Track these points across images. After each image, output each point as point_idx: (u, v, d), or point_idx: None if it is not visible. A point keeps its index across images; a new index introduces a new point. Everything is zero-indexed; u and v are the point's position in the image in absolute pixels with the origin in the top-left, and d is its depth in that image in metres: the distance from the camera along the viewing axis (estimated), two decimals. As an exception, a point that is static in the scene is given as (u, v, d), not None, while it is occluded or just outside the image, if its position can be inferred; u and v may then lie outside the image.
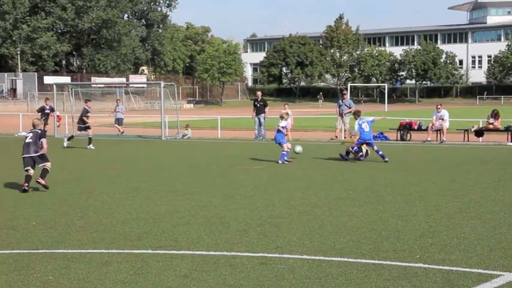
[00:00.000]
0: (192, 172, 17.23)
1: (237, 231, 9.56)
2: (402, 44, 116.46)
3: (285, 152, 19.33)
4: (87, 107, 26.47)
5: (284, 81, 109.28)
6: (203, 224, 10.14)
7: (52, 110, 30.71)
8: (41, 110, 30.24)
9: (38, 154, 13.91)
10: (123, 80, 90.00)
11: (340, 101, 29.92)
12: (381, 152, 19.20)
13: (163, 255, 8.12)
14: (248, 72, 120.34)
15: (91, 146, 25.20)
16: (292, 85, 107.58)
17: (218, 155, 22.66)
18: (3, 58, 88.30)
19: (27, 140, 14.00)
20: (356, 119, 20.03)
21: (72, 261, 7.82)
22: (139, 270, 7.48)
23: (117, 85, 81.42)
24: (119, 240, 9.01)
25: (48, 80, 77.55)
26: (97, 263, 7.74)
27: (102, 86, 76.17)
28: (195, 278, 7.21)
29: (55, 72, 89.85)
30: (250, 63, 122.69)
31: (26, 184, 13.50)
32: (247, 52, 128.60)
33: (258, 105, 29.82)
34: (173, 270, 7.49)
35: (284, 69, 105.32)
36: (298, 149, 19.99)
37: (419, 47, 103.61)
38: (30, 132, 14.20)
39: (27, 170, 13.79)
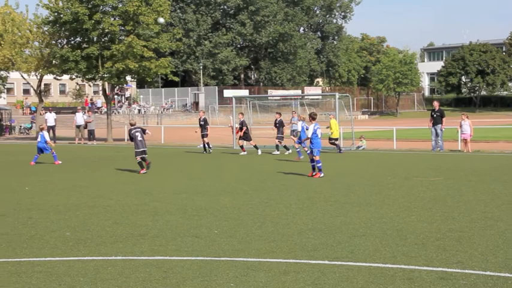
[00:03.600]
0: (367, 183, 17.08)
1: (415, 245, 9.33)
2: None
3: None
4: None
5: (463, 90, 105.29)
6: (379, 236, 10.01)
7: (205, 122, 30.41)
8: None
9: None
10: (299, 92, 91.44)
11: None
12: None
13: (339, 267, 8.11)
14: (425, 82, 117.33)
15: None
16: (472, 94, 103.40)
17: (394, 166, 22.28)
18: (187, 73, 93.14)
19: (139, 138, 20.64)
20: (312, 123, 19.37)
21: (251, 270, 8.03)
22: (316, 280, 7.53)
23: (292, 97, 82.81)
24: (295, 250, 9.13)
25: (227, 93, 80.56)
26: (275, 272, 7.89)
27: (278, 98, 77.80)
28: (372, 290, 7.12)
29: (234, 86, 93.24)
30: (427, 73, 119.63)
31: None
32: (424, 61, 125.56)
33: (435, 115, 29.00)
34: (350, 281, 7.45)
35: (463, 78, 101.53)
36: (161, 20, 20.87)
37: None
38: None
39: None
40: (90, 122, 40.51)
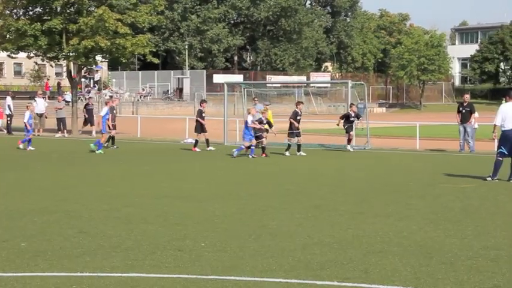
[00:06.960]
0: (384, 190, 17.11)
1: (442, 264, 9.35)
2: None
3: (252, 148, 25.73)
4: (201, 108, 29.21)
5: (502, 79, 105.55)
6: (399, 253, 10.03)
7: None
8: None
9: None
10: (303, 78, 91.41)
11: None
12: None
13: (351, 289, 8.14)
14: (455, 69, 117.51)
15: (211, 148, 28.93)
16: None
17: (416, 170, 22.32)
18: (169, 54, 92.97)
19: None
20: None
21: (245, 291, 8.05)
22: (323, 305, 7.55)
23: (295, 84, 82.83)
24: (298, 268, 9.14)
25: (218, 78, 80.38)
26: (274, 294, 7.91)
27: (279, 85, 77.83)
28: (390, 318, 7.14)
29: (225, 70, 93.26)
30: (458, 58, 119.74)
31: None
32: (454, 44, 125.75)
33: (464, 110, 28.95)
34: (363, 307, 7.48)
35: (502, 65, 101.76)
36: None
37: None
38: None
39: None
40: (60, 109, 40.03)
